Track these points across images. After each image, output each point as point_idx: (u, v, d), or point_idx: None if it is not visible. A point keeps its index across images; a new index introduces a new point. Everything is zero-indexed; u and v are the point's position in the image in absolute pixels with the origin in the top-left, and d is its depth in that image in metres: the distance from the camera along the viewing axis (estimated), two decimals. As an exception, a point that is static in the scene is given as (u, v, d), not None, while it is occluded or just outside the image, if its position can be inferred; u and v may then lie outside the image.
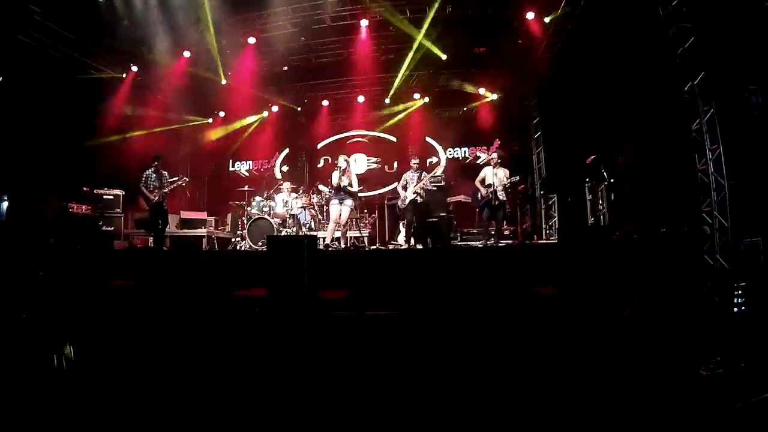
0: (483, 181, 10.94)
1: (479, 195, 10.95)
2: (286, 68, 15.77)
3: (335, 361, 4.10)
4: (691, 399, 3.26)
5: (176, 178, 12.04)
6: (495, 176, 10.78)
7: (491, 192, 10.68)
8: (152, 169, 11.39)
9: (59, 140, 12.83)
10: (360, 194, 12.49)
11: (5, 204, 13.00)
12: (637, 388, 3.44)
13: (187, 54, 14.41)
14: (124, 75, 15.05)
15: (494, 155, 11.16)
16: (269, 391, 4.19)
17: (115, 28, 12.55)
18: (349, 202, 10.71)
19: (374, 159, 18.61)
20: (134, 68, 15.01)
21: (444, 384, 3.90)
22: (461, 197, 13.66)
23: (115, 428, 3.64)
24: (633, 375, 3.47)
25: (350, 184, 10.74)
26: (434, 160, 18.03)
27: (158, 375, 4.57)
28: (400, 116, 17.71)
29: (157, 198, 11.19)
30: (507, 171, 10.93)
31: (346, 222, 11.39)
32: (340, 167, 10.70)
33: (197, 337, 4.41)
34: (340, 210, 10.69)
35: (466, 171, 11.49)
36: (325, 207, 12.88)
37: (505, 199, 10.86)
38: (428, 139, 18.12)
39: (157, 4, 12.24)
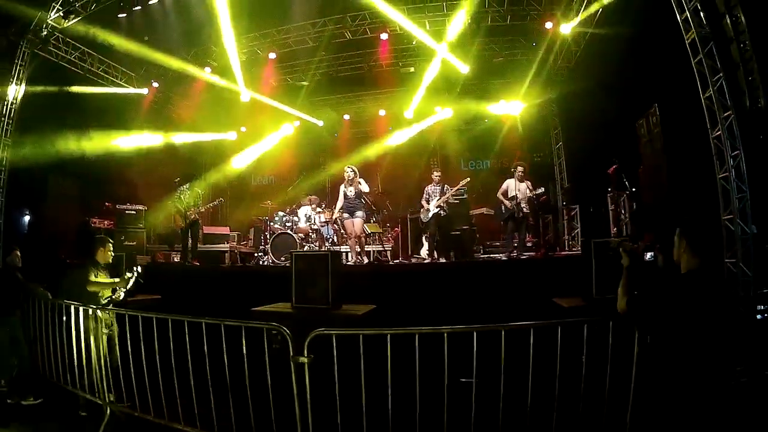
0: (505, 194, 10.90)
1: (503, 207, 10.92)
2: (306, 83, 15.90)
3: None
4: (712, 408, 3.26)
5: (216, 201, 12.76)
6: (518, 189, 10.77)
7: (515, 204, 10.66)
8: (187, 186, 11.61)
9: (81, 155, 13.03)
10: (382, 209, 12.52)
11: (27, 217, 13.32)
12: (661, 398, 3.42)
13: (208, 70, 14.62)
14: (146, 91, 15.34)
15: (519, 168, 11.11)
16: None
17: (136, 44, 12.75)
18: (359, 213, 10.65)
19: (396, 173, 18.56)
20: (155, 84, 15.29)
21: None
22: (483, 210, 13.62)
23: None
24: (657, 386, 3.46)
25: (358, 194, 10.74)
26: (456, 172, 18.00)
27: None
28: (422, 129, 17.64)
29: (192, 216, 11.37)
30: (530, 183, 10.90)
31: (363, 234, 11.29)
32: (347, 178, 10.71)
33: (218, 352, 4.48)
34: (353, 222, 10.65)
35: (488, 183, 11.48)
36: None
37: (528, 211, 10.84)
38: (449, 151, 18.10)
39: (177, 22, 12.41)
